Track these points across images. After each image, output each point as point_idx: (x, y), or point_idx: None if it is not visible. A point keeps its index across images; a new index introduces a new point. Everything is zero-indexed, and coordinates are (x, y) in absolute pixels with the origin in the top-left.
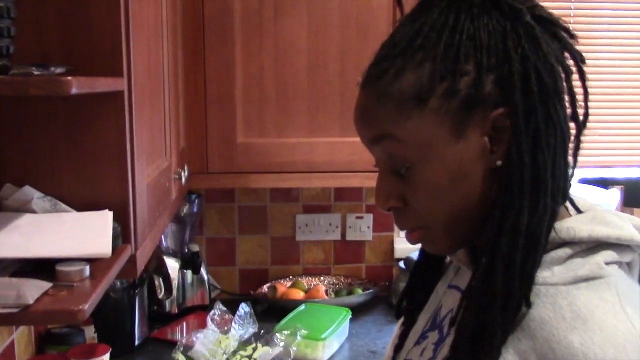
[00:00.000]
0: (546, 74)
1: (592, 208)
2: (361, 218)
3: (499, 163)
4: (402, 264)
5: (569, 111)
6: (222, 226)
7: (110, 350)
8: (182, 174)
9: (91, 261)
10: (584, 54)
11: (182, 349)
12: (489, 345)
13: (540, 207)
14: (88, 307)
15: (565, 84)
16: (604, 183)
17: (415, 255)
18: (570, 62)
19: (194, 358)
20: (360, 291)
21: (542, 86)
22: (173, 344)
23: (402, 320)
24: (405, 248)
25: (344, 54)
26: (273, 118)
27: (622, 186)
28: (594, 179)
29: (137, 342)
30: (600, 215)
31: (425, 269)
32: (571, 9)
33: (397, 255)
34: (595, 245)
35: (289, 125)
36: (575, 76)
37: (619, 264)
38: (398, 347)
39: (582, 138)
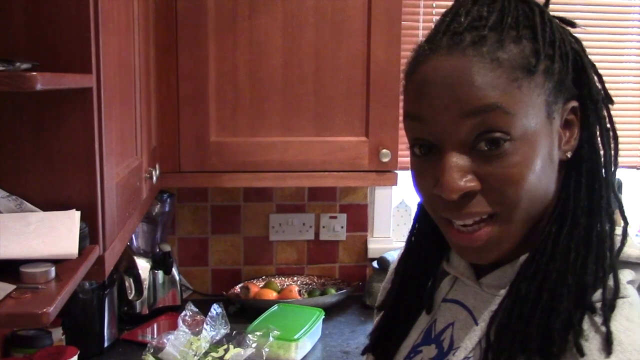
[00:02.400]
0: (600, 81)
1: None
2: (335, 218)
3: (569, 155)
4: (375, 264)
5: None
6: (194, 226)
7: (78, 352)
8: (153, 173)
9: (57, 262)
10: None
11: (152, 351)
12: (567, 338)
13: (601, 212)
14: (53, 309)
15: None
16: None
17: (389, 255)
18: None
19: (164, 359)
20: (333, 291)
21: (600, 91)
22: (143, 346)
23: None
24: (379, 248)
25: (319, 53)
26: (246, 117)
27: None
28: None
29: (106, 344)
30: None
31: (414, 280)
32: None
33: (371, 255)
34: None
35: (263, 124)
36: None
37: (633, 282)
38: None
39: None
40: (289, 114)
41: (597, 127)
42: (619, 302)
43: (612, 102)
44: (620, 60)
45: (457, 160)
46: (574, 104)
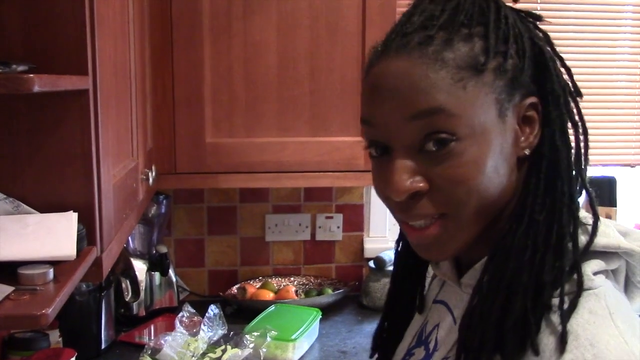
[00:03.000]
0: (568, 74)
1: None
2: (331, 218)
3: (527, 152)
4: (371, 264)
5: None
6: (191, 227)
7: (76, 354)
8: (150, 174)
9: (55, 264)
10: None
11: (149, 352)
12: (522, 337)
13: (559, 207)
14: (51, 311)
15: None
16: None
17: (385, 255)
18: None
19: None
20: (329, 291)
21: (566, 85)
22: (140, 347)
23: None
24: (375, 247)
25: (314, 53)
26: (242, 117)
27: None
28: None
29: (103, 346)
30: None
31: (405, 281)
32: (537, 10)
33: (367, 254)
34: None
35: (258, 125)
36: None
37: (606, 272)
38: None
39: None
40: (285, 114)
41: (560, 122)
42: (584, 294)
43: (580, 96)
44: (613, 59)
45: (405, 162)
46: (533, 100)
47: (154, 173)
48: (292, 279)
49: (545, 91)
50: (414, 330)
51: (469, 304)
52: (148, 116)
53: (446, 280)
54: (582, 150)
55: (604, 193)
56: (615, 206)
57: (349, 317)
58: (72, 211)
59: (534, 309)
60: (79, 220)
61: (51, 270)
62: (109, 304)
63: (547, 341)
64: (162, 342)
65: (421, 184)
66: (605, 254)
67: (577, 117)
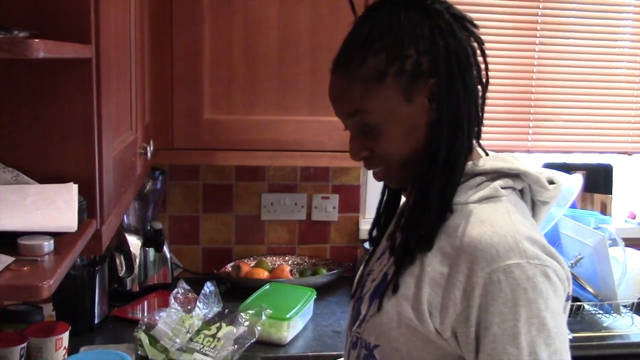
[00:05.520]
0: (461, 53)
1: (498, 155)
2: (327, 198)
3: (434, 117)
4: (366, 245)
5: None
6: (186, 204)
7: (70, 328)
8: (148, 148)
9: (55, 235)
10: (552, 46)
11: (144, 328)
12: (425, 240)
13: (457, 144)
14: (52, 283)
15: (473, 60)
16: (567, 168)
17: None
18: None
19: (156, 337)
20: (324, 271)
21: (459, 62)
22: (133, 323)
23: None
24: None
25: (315, 30)
26: (241, 94)
27: (584, 171)
28: (558, 164)
29: (96, 320)
30: (500, 156)
31: (388, 201)
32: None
33: (362, 236)
34: (496, 176)
35: (258, 102)
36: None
37: (513, 189)
38: (367, 261)
39: (487, 95)
40: (284, 92)
41: (448, 92)
42: (493, 200)
43: (468, 70)
44: (612, 46)
45: (355, 140)
46: (432, 81)
47: (152, 147)
48: (286, 258)
49: (439, 75)
50: (378, 254)
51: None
52: (146, 90)
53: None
54: (467, 108)
55: (600, 180)
56: (611, 194)
57: (343, 297)
58: (72, 183)
59: (445, 206)
60: (79, 192)
61: (52, 242)
62: (103, 279)
63: (459, 222)
64: (157, 318)
65: (364, 153)
66: (512, 176)
67: (468, 85)
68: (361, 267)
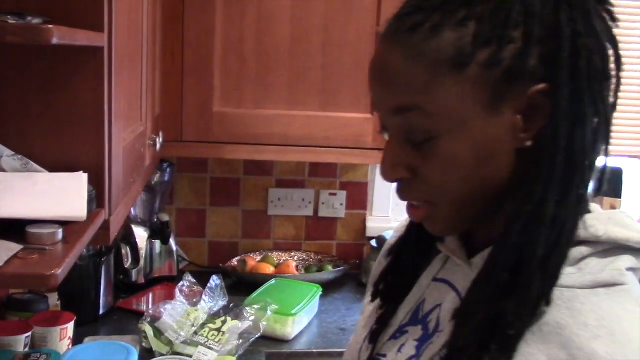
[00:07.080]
0: (596, 54)
1: (611, 213)
2: (334, 195)
3: (529, 144)
4: (373, 243)
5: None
6: (193, 197)
7: (75, 318)
8: (157, 140)
9: (63, 224)
10: None
11: (149, 320)
12: (502, 341)
13: (571, 197)
14: (61, 272)
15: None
16: None
17: (387, 235)
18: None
19: (161, 329)
20: (330, 268)
21: (591, 67)
22: (138, 314)
23: (368, 301)
24: (377, 227)
25: (328, 26)
26: (251, 88)
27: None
28: None
29: (101, 311)
30: (617, 217)
31: (412, 251)
32: None
33: (369, 233)
34: (610, 248)
35: (267, 96)
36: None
37: (635, 270)
38: (375, 333)
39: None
40: (295, 87)
41: (568, 112)
42: (616, 289)
43: (607, 80)
44: (622, 48)
45: (394, 149)
46: (541, 87)
47: (161, 139)
48: (292, 254)
49: (557, 78)
50: (408, 307)
51: (473, 281)
52: (157, 82)
53: (452, 259)
54: (592, 144)
55: (609, 184)
56: (620, 197)
57: (348, 294)
58: (81, 172)
59: (542, 291)
60: (88, 182)
61: (60, 231)
62: (109, 270)
63: (563, 320)
64: (162, 310)
65: (403, 174)
66: (637, 252)
67: (598, 106)
68: (361, 332)
